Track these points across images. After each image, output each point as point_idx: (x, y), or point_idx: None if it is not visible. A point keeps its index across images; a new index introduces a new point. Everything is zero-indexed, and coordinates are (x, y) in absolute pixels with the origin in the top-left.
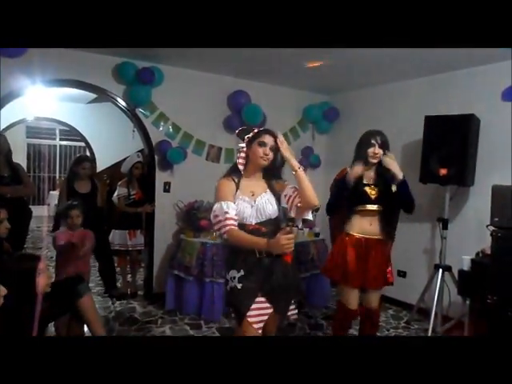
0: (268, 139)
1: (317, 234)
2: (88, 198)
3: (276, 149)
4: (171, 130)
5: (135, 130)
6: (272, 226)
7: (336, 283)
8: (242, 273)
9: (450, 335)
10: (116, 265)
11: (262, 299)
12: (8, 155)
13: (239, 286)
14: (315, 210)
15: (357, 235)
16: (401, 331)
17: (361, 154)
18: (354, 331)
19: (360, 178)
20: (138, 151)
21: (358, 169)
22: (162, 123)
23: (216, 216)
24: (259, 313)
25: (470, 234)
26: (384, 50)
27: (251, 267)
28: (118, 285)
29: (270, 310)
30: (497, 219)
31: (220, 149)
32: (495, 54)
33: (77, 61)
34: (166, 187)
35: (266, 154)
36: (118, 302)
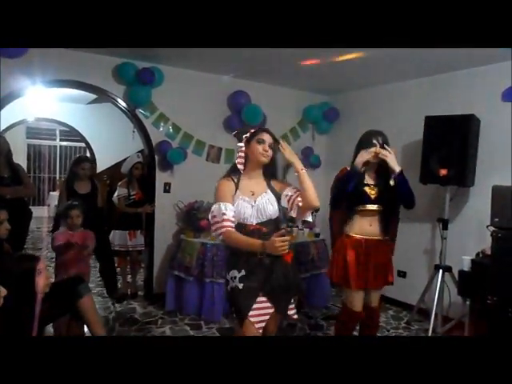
0: (266, 137)
1: (317, 235)
2: (88, 198)
3: (274, 147)
4: (171, 130)
5: (135, 130)
6: (272, 226)
7: (340, 286)
8: (243, 273)
9: (451, 335)
10: (116, 265)
11: (264, 299)
12: (8, 156)
13: (240, 286)
14: (315, 211)
15: (357, 236)
16: (401, 332)
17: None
18: (354, 331)
19: (360, 178)
20: (138, 152)
21: (365, 154)
22: (162, 124)
23: (214, 217)
24: (260, 313)
25: (470, 235)
26: (384, 50)
27: (252, 267)
28: (119, 285)
29: (271, 310)
30: (497, 220)
31: (220, 149)
32: (495, 55)
33: (77, 61)
34: (166, 187)
35: (266, 151)
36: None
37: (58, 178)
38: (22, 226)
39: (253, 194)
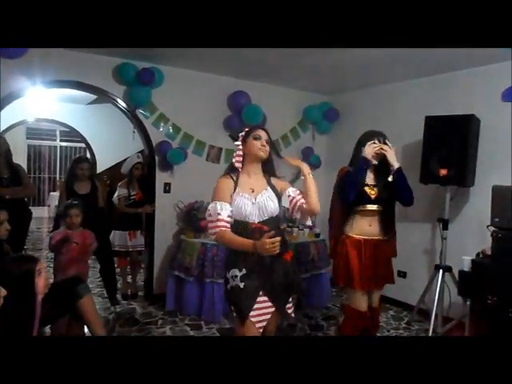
0: (262, 133)
1: (317, 235)
2: (88, 198)
3: (271, 143)
4: (171, 130)
5: (135, 130)
6: (273, 225)
7: (343, 288)
8: (244, 271)
9: (451, 335)
10: (116, 266)
11: (264, 298)
12: (8, 156)
13: (242, 285)
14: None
15: (356, 237)
16: (401, 332)
17: (359, 155)
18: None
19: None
20: (139, 152)
21: (372, 146)
22: (162, 124)
23: (209, 216)
24: (261, 312)
25: (471, 235)
26: (384, 50)
27: (253, 266)
28: (119, 285)
29: (272, 309)
30: (497, 220)
31: (220, 149)
32: (495, 55)
33: (77, 62)
34: (167, 188)
35: (264, 146)
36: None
37: (58, 178)
38: (21, 227)
39: (253, 191)
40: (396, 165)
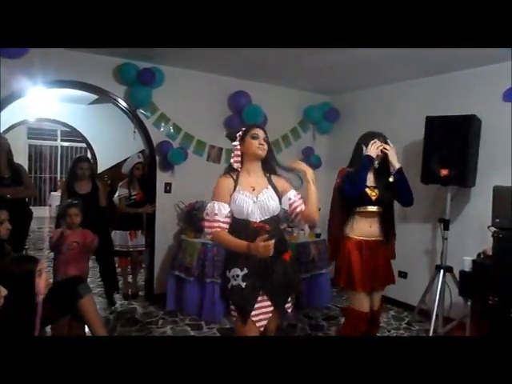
0: (259, 132)
1: (318, 235)
2: (88, 198)
3: (268, 141)
4: (172, 130)
5: (136, 130)
6: (275, 224)
7: (344, 289)
8: (245, 271)
9: (452, 336)
10: (117, 265)
11: (264, 298)
12: (9, 156)
13: (243, 284)
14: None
15: (357, 238)
16: (402, 332)
17: (359, 156)
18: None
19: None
20: (139, 152)
21: (375, 145)
22: (162, 124)
23: (206, 215)
24: (261, 312)
25: (472, 235)
26: (384, 50)
27: (254, 265)
28: (120, 285)
29: (272, 309)
30: (498, 220)
31: (221, 149)
32: (496, 55)
33: (78, 62)
34: (167, 188)
35: (262, 144)
36: (119, 303)
37: (59, 178)
38: (22, 227)
39: (253, 190)
40: (397, 165)
